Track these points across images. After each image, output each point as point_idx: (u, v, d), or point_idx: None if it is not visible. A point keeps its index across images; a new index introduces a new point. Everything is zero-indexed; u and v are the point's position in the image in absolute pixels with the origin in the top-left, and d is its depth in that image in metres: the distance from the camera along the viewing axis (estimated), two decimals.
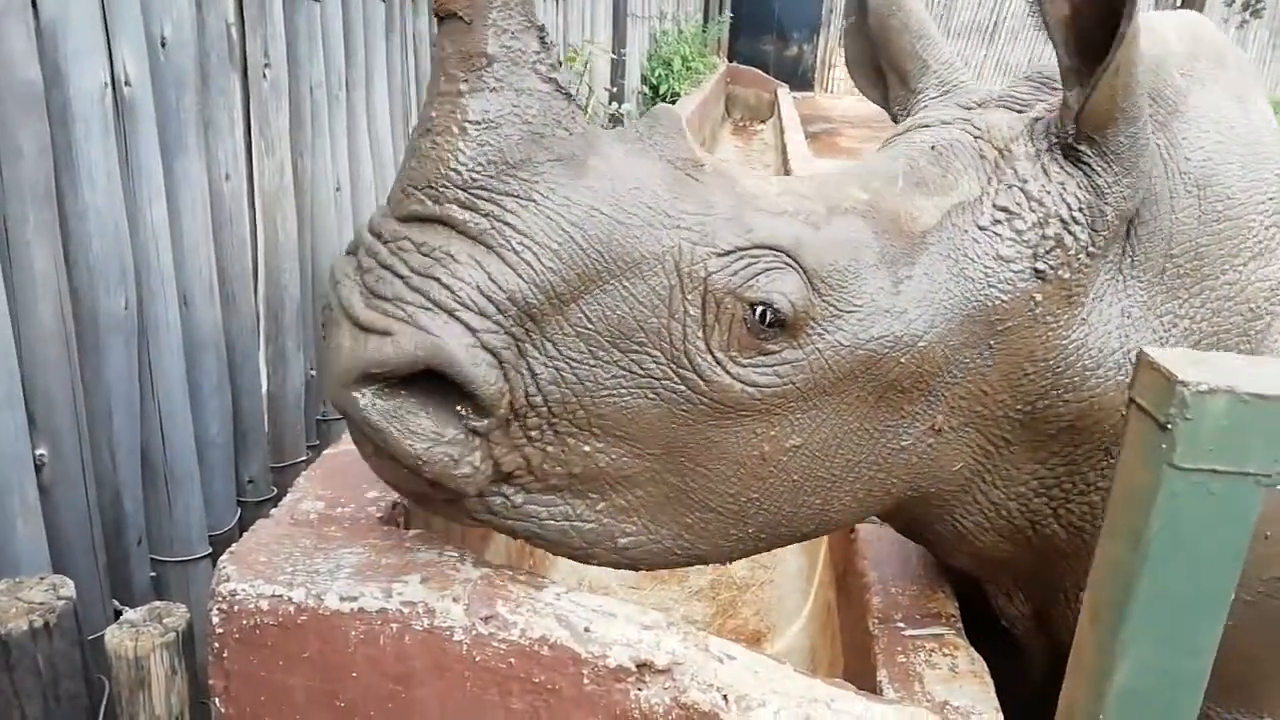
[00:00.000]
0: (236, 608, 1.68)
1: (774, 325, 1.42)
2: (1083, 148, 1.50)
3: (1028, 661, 1.97)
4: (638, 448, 1.43)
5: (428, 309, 1.28)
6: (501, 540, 3.02)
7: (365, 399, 1.29)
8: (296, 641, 1.69)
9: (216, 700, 1.72)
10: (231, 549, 1.79)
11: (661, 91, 9.48)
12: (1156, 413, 1.46)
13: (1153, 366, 1.49)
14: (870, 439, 1.55)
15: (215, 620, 1.69)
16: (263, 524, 1.91)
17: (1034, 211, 1.52)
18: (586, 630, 1.64)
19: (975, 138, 1.61)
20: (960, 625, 1.99)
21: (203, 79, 2.71)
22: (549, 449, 1.40)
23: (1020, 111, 1.64)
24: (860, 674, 2.00)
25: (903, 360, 1.49)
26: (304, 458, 3.38)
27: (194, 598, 2.75)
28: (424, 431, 1.32)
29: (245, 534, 1.87)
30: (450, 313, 1.28)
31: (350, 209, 3.61)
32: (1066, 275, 1.53)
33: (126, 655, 1.81)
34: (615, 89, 7.37)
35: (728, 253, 1.41)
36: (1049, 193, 1.52)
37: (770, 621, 3.55)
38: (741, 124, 14.95)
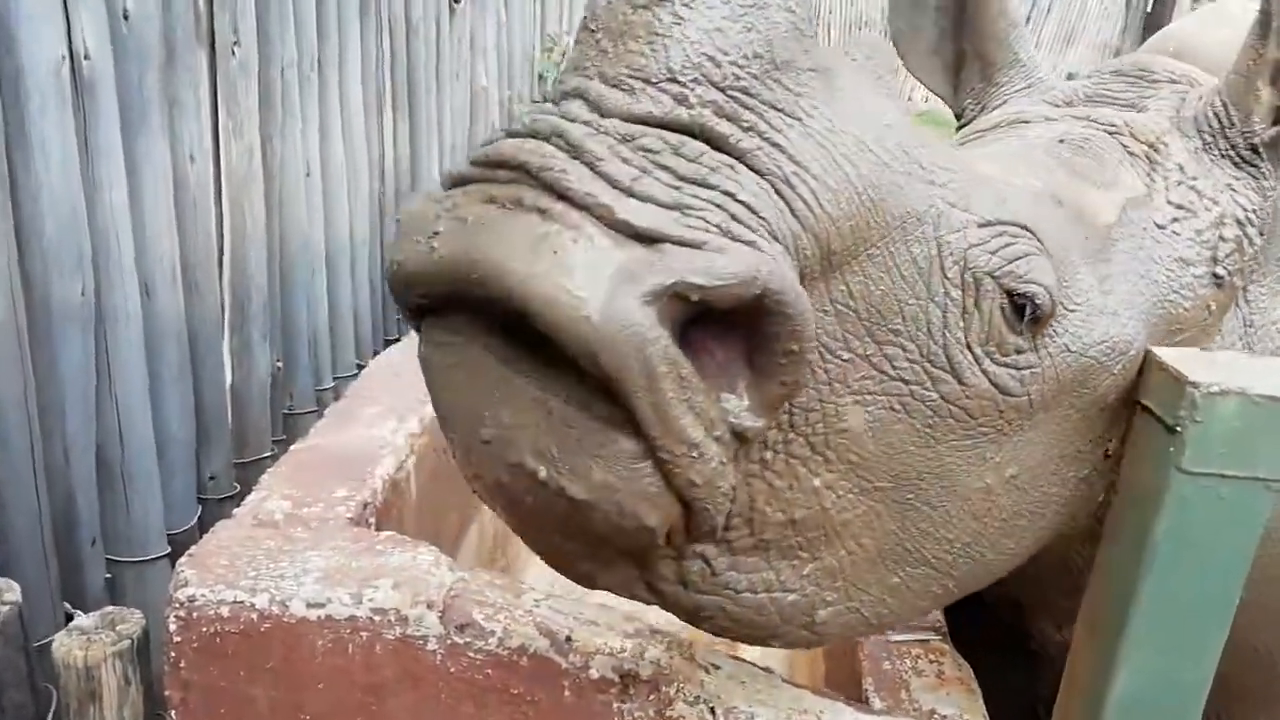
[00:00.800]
0: (195, 614, 1.58)
1: (1030, 322, 1.21)
2: (1261, 150, 1.43)
3: (1042, 681, 1.91)
4: (866, 480, 1.15)
5: (741, 226, 0.93)
6: (473, 538, 2.93)
7: (653, 325, 0.87)
8: (259, 651, 1.59)
9: (173, 713, 1.62)
10: (190, 552, 1.69)
11: None
12: (1165, 415, 1.40)
13: (1162, 367, 1.43)
14: (1065, 467, 1.37)
15: (172, 628, 1.59)
16: (224, 525, 1.81)
17: (1209, 211, 1.42)
18: (568, 640, 1.56)
19: (1110, 133, 1.49)
20: (945, 630, 1.94)
21: (168, 54, 2.58)
22: (776, 482, 1.08)
23: (1134, 108, 1.55)
24: (843, 680, 1.94)
25: (1115, 371, 1.34)
26: (269, 453, 3.27)
27: (150, 601, 2.63)
28: (704, 413, 0.93)
29: (205, 535, 1.77)
30: (755, 242, 0.94)
31: (321, 195, 3.50)
32: (1239, 282, 1.45)
33: (76, 664, 1.70)
34: None
35: (988, 224, 1.18)
36: (1221, 192, 1.43)
37: None
38: None
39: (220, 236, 2.95)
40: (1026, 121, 1.60)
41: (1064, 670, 1.63)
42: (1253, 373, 1.40)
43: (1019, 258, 1.20)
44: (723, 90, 0.95)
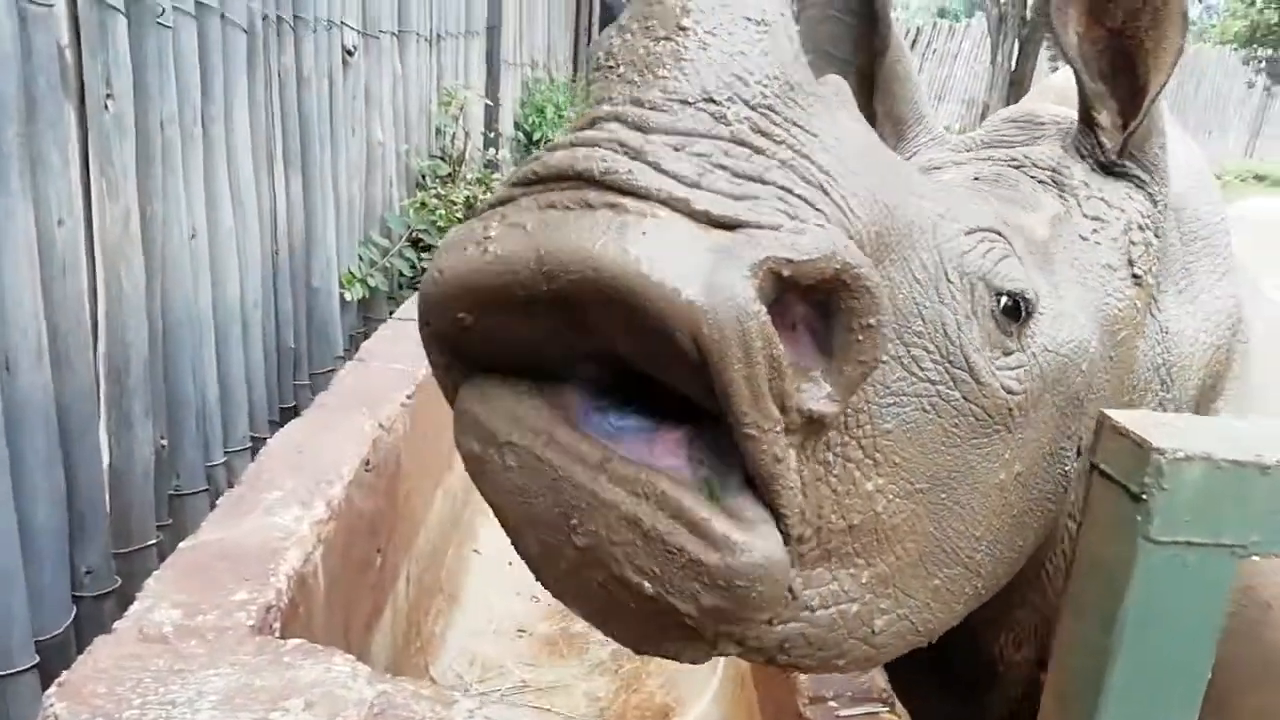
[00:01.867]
0: None
1: (1019, 321, 1.30)
2: (1128, 164, 1.55)
3: (996, 702, 1.88)
4: (909, 482, 1.22)
5: (809, 210, 0.98)
6: (388, 620, 2.72)
7: (755, 300, 0.90)
8: None
9: None
10: (60, 680, 1.46)
11: (536, 138, 9.36)
12: (1128, 482, 1.36)
13: (1120, 431, 1.39)
14: (1053, 464, 1.45)
15: None
16: (102, 643, 1.58)
17: (1118, 220, 1.53)
18: None
19: (1016, 167, 1.61)
20: (892, 700, 1.88)
21: (28, 107, 2.35)
22: (838, 486, 1.12)
23: (1028, 147, 1.68)
24: None
25: (1083, 368, 1.43)
26: (153, 541, 2.97)
27: None
28: (788, 395, 0.97)
29: (81, 657, 1.53)
30: (823, 226, 0.99)
31: (207, 258, 3.25)
32: (1152, 281, 1.56)
33: None
34: (491, 134, 7.16)
35: (972, 231, 1.28)
36: (1124, 200, 1.55)
37: (678, 695, 3.35)
38: None
39: (94, 304, 2.69)
40: (938, 167, 1.72)
41: None
42: (1213, 435, 1.38)
43: (1002, 259, 1.30)
44: (754, 108, 1.02)
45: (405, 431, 2.76)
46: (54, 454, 2.52)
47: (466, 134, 6.02)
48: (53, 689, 1.44)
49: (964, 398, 1.24)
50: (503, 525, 1.10)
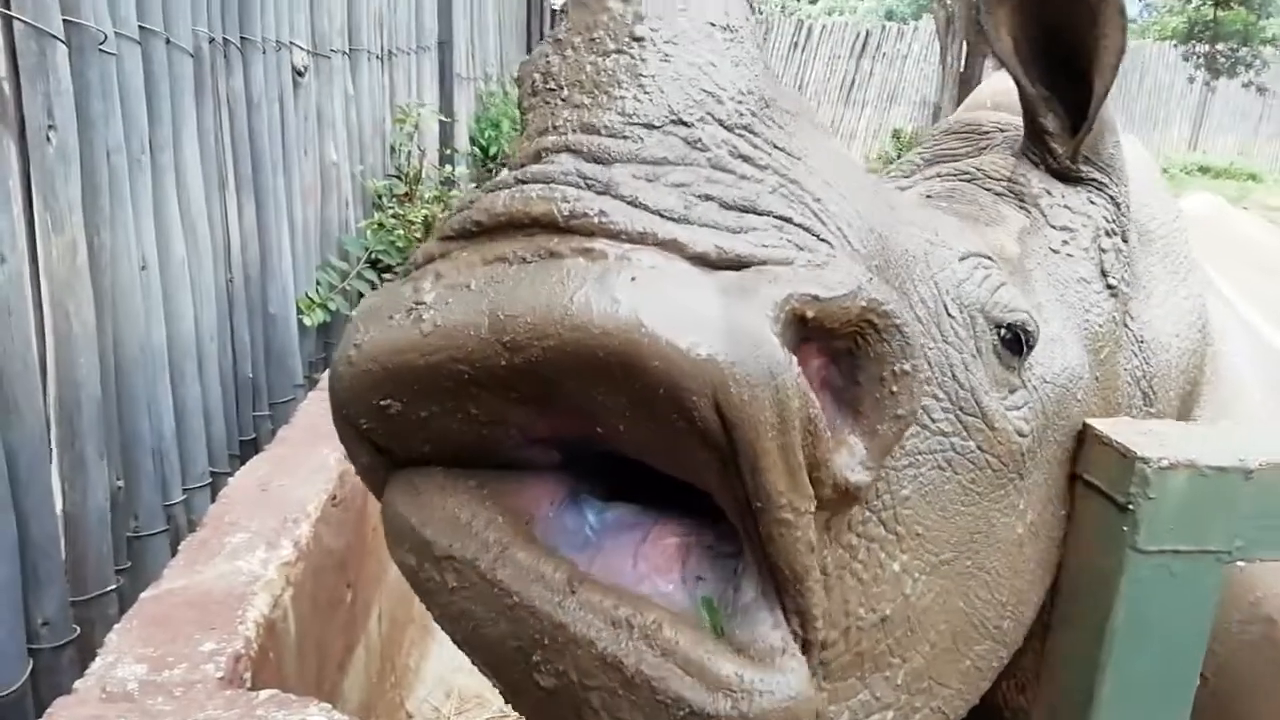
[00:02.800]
0: None
1: (1021, 355, 1.17)
2: (1083, 168, 1.46)
3: None
4: (933, 553, 1.05)
5: (816, 241, 0.82)
6: (360, 659, 2.64)
7: (788, 356, 0.73)
8: None
9: None
10: None
11: (492, 153, 9.28)
12: (1114, 492, 1.35)
13: (1104, 441, 1.38)
14: (1058, 504, 1.33)
15: None
16: (63, 704, 1.50)
17: (1086, 226, 1.44)
18: None
19: (969, 180, 1.50)
20: None
21: None
22: (863, 574, 0.96)
23: (975, 158, 1.57)
24: None
25: (1079, 397, 1.32)
26: (112, 586, 2.86)
27: None
28: (819, 459, 0.81)
29: None
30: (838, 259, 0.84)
31: (159, 290, 3.15)
32: (1126, 290, 1.47)
33: None
34: (447, 151, 7.09)
35: (965, 257, 1.15)
36: (1088, 205, 1.46)
37: None
38: None
39: (41, 344, 2.59)
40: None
41: None
42: (1196, 442, 1.37)
43: (999, 287, 1.17)
44: (731, 130, 0.86)
45: None
46: (4, 502, 2.41)
47: (423, 151, 5.95)
48: None
49: (979, 448, 1.10)
50: (456, 645, 0.90)
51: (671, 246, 0.76)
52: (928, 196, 1.50)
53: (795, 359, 0.74)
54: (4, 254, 2.36)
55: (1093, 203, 1.48)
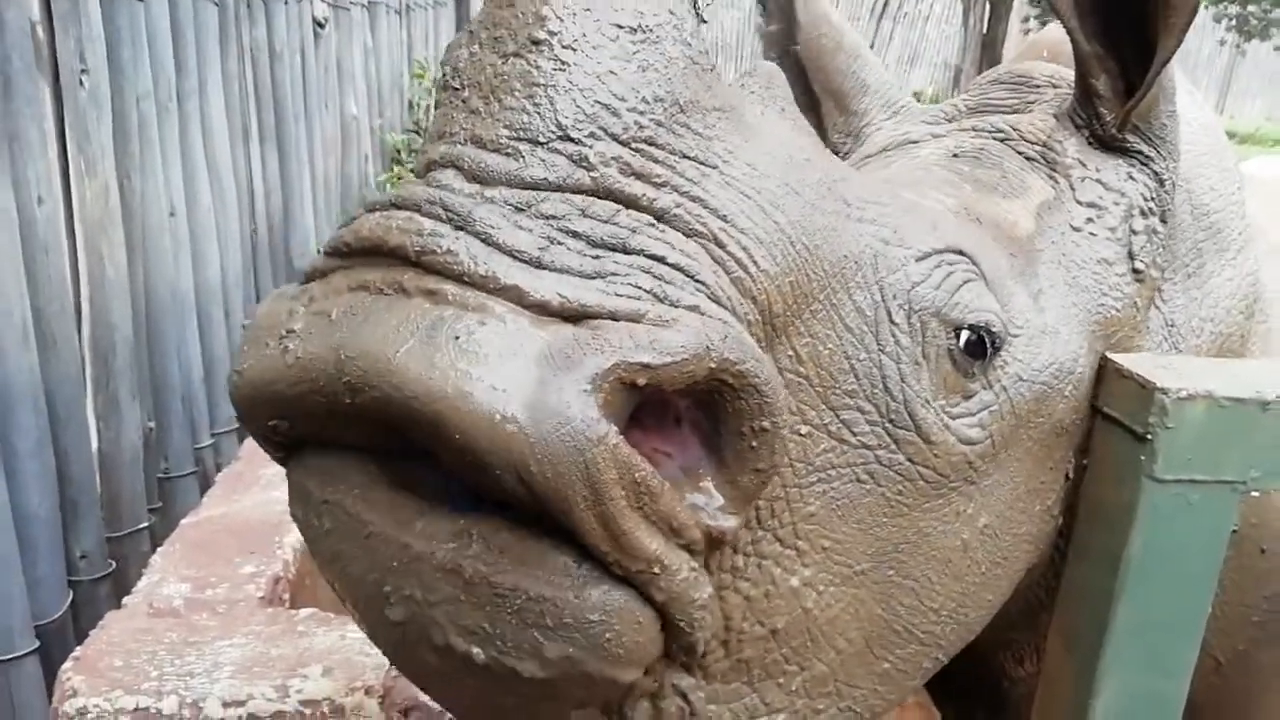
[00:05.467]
0: None
1: (981, 357, 1.10)
2: (1130, 138, 1.36)
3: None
4: (845, 566, 1.02)
5: (679, 291, 0.78)
6: None
7: (598, 421, 0.70)
8: None
9: None
10: (76, 654, 1.45)
11: None
12: (1132, 423, 1.37)
13: (1124, 374, 1.40)
14: (1031, 501, 1.27)
15: None
16: (114, 618, 1.57)
17: (1118, 205, 1.35)
18: None
19: (1001, 140, 1.42)
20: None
21: (4, 85, 2.29)
22: (751, 591, 0.93)
23: (1018, 113, 1.48)
24: None
25: (1067, 393, 1.26)
26: (145, 524, 2.95)
27: (22, 706, 2.30)
28: (668, 519, 0.77)
29: (93, 632, 1.52)
30: (697, 307, 0.79)
31: (188, 237, 3.20)
32: (1156, 275, 1.39)
33: None
34: None
35: (925, 256, 1.07)
36: (1124, 182, 1.36)
37: None
38: None
39: (76, 285, 2.64)
40: (914, 141, 1.53)
41: (1037, 692, 1.59)
42: (1215, 375, 1.39)
43: (961, 286, 1.10)
44: (626, 144, 0.81)
45: None
46: (44, 439, 2.49)
47: None
48: (68, 663, 1.43)
49: (909, 460, 1.05)
50: (335, 592, 0.88)
51: (512, 294, 0.73)
52: (954, 155, 1.43)
53: (613, 430, 0.71)
54: (42, 195, 2.40)
55: (1132, 178, 1.38)
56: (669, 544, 0.77)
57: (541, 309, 0.73)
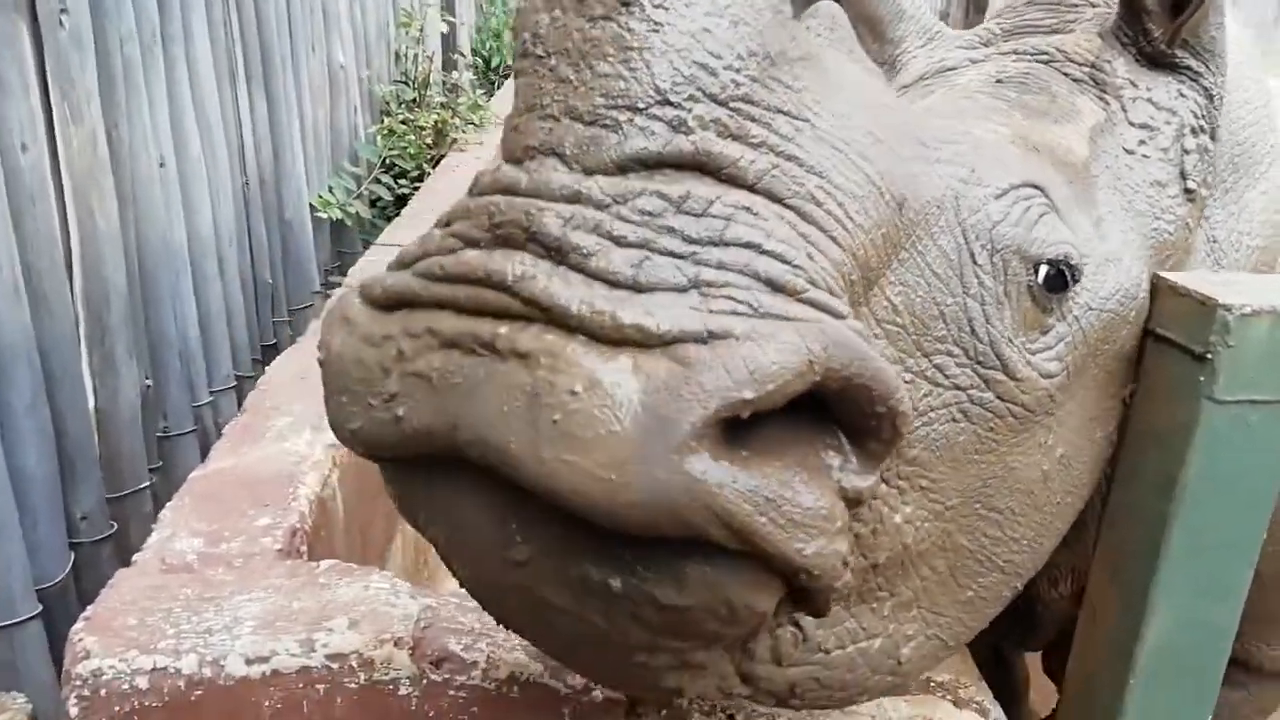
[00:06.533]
0: (104, 691, 1.28)
1: (1060, 290, 1.11)
2: (1180, 54, 1.33)
3: (1026, 633, 1.83)
4: (938, 503, 1.04)
5: (774, 296, 0.77)
6: (398, 552, 2.66)
7: (710, 470, 0.71)
8: None
9: None
10: (87, 614, 1.38)
11: (494, 64, 9.05)
12: (1190, 343, 1.31)
13: (1181, 292, 1.34)
14: (1095, 428, 1.28)
15: (74, 713, 1.29)
16: (125, 575, 1.50)
17: (1170, 124, 1.33)
18: None
19: (1046, 62, 1.38)
20: None
21: None
22: (861, 530, 0.95)
23: (1059, 34, 1.44)
24: None
25: (1131, 319, 1.25)
26: (146, 484, 2.88)
27: (26, 672, 2.24)
28: (811, 513, 0.76)
29: (104, 591, 1.46)
30: (805, 298, 0.78)
31: (178, 187, 3.09)
32: (1205, 194, 1.37)
33: None
34: (452, 56, 6.91)
35: (1003, 193, 1.06)
36: (1175, 100, 1.34)
37: None
38: None
39: (66, 238, 2.54)
40: (953, 68, 1.49)
41: (1080, 617, 1.54)
42: (1274, 290, 1.33)
43: (1038, 221, 1.10)
44: (724, 104, 0.80)
45: None
46: (39, 398, 2.41)
47: (430, 57, 5.79)
48: (79, 624, 1.36)
49: (998, 398, 1.06)
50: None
51: (608, 326, 0.72)
52: (998, 81, 1.39)
53: (728, 467, 0.72)
54: (25, 142, 2.30)
55: (1183, 95, 1.36)
56: (816, 520, 0.77)
57: (635, 335, 0.72)
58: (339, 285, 3.54)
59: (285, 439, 1.92)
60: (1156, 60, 1.35)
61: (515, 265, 0.75)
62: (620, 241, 0.76)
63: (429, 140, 5.04)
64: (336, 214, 4.24)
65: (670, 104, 0.78)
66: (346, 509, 1.99)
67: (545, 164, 0.79)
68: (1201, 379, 1.30)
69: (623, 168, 0.78)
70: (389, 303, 0.81)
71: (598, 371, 0.71)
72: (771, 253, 0.78)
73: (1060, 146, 1.27)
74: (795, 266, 0.79)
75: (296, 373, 2.22)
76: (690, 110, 0.78)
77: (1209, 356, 1.28)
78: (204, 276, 3.31)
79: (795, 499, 0.75)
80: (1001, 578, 1.19)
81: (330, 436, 1.98)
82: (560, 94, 0.79)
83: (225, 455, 1.87)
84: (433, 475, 0.83)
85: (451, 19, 6.62)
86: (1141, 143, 1.33)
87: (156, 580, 1.49)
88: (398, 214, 4.10)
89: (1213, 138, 1.37)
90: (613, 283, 0.74)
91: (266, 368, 2.40)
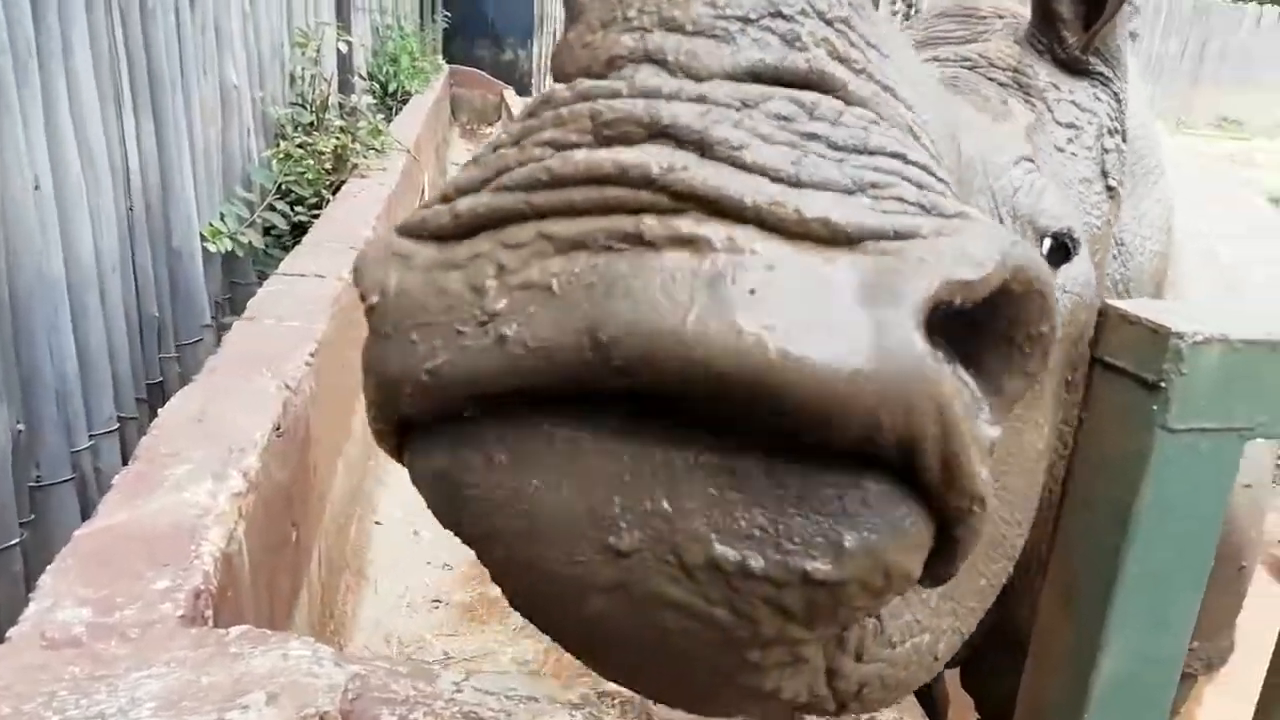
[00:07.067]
0: None
1: (1058, 265, 1.11)
2: (1092, 59, 1.38)
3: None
4: None
5: (939, 197, 0.70)
6: (304, 604, 2.48)
7: (931, 355, 0.62)
8: None
9: None
10: None
11: (391, 89, 8.87)
12: (1142, 371, 1.31)
13: (1130, 320, 1.34)
14: (1058, 410, 1.30)
15: None
16: None
17: (1091, 124, 1.37)
18: None
19: (971, 68, 1.40)
20: None
21: None
22: None
23: (974, 43, 1.47)
24: None
25: (1088, 302, 1.26)
26: (15, 540, 2.61)
27: None
28: (987, 435, 0.70)
29: None
30: (964, 213, 0.72)
31: (55, 212, 2.85)
32: (1122, 192, 1.42)
33: None
34: (350, 78, 6.70)
35: (1017, 162, 1.07)
36: (1094, 101, 1.38)
37: None
38: (469, 127, 14.49)
39: None
40: None
41: (1031, 647, 1.52)
42: (1223, 317, 1.34)
43: (1043, 192, 1.11)
44: (830, 24, 0.72)
45: (312, 394, 2.50)
46: None
47: (328, 80, 5.59)
48: None
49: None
50: (486, 563, 0.75)
51: (790, 218, 0.62)
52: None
53: (944, 358, 0.64)
54: None
55: (1098, 99, 1.41)
56: (986, 462, 0.69)
57: (822, 231, 0.61)
58: (231, 319, 3.33)
59: (184, 489, 1.75)
60: (1070, 66, 1.40)
61: (660, 157, 0.63)
62: (768, 140, 0.65)
63: (328, 165, 4.85)
64: (227, 245, 4.00)
65: (783, 17, 0.71)
66: (253, 563, 1.82)
67: (644, 70, 0.68)
68: (1154, 408, 1.29)
69: (736, 80, 0.68)
70: (466, 229, 0.67)
71: (791, 250, 0.61)
72: (917, 163, 0.71)
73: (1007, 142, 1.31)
74: (941, 179, 0.73)
75: (193, 414, 2.04)
76: (804, 26, 0.71)
77: (1162, 385, 1.28)
78: (83, 309, 3.05)
79: (983, 412, 0.68)
80: (1005, 564, 1.17)
81: (233, 484, 1.81)
82: (653, 4, 0.69)
83: (116, 509, 1.68)
84: (515, 437, 0.68)
85: (350, 39, 6.42)
86: (1070, 140, 1.36)
87: (36, 658, 1.31)
88: (295, 243, 3.90)
89: (1124, 139, 1.44)
90: (776, 177, 0.64)
91: (156, 409, 2.21)
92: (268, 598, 1.95)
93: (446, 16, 16.42)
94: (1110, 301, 1.38)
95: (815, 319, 0.58)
